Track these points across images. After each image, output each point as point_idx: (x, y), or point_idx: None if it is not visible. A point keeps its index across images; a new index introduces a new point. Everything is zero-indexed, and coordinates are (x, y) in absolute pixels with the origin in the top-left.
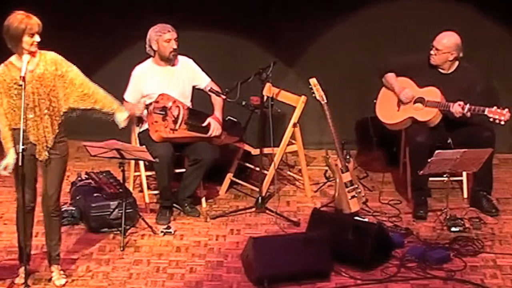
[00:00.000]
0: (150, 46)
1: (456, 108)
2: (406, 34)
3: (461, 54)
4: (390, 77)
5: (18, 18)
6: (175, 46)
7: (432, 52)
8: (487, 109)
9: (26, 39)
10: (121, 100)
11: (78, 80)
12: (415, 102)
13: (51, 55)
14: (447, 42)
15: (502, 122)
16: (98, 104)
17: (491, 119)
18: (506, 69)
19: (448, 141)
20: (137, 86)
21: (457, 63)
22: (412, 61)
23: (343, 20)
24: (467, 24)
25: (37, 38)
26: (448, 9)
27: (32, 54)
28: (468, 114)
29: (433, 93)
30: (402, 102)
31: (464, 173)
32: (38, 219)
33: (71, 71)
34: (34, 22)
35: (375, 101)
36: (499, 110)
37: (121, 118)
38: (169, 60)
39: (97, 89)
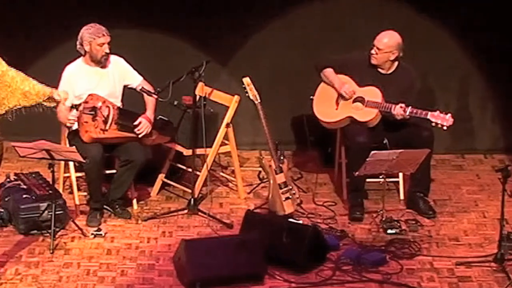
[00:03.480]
0: (82, 45)
1: (398, 111)
2: (340, 33)
3: (401, 54)
4: (329, 72)
5: None
6: (107, 51)
7: (372, 51)
8: (429, 113)
9: None
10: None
11: (19, 77)
12: (354, 101)
13: None
14: (388, 41)
15: (445, 127)
16: (40, 97)
17: (433, 124)
18: (443, 69)
19: (384, 142)
20: (68, 87)
21: (396, 63)
22: (351, 59)
23: (275, 18)
24: (403, 23)
25: None
26: (383, 8)
27: None
28: (408, 117)
29: (373, 93)
30: (343, 97)
31: (401, 174)
32: None
33: (10, 70)
34: None
35: (312, 97)
36: (441, 115)
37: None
38: (99, 63)
39: (33, 82)
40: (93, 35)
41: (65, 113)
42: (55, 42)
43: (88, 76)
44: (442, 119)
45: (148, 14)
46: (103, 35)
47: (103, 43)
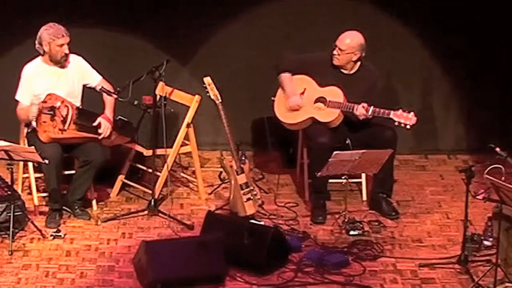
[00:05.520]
0: (41, 45)
1: (360, 111)
2: (302, 32)
3: (363, 54)
4: (285, 77)
5: None
6: (67, 51)
7: (335, 52)
8: (392, 112)
9: None
10: (14, 101)
11: None
12: (316, 101)
13: None
14: (350, 42)
15: (408, 126)
16: None
17: (396, 123)
18: (406, 69)
19: (347, 142)
20: (28, 86)
21: (359, 63)
22: (313, 59)
23: (236, 17)
24: (366, 23)
25: None
26: (346, 7)
27: None
28: (370, 116)
29: (335, 93)
30: (288, 107)
31: (363, 175)
32: None
33: None
34: None
35: (273, 98)
36: (404, 114)
37: None
38: (59, 63)
39: None
40: (52, 36)
41: (25, 110)
42: (14, 41)
43: (47, 76)
44: (405, 118)
45: (107, 12)
46: (63, 35)
47: (63, 44)
